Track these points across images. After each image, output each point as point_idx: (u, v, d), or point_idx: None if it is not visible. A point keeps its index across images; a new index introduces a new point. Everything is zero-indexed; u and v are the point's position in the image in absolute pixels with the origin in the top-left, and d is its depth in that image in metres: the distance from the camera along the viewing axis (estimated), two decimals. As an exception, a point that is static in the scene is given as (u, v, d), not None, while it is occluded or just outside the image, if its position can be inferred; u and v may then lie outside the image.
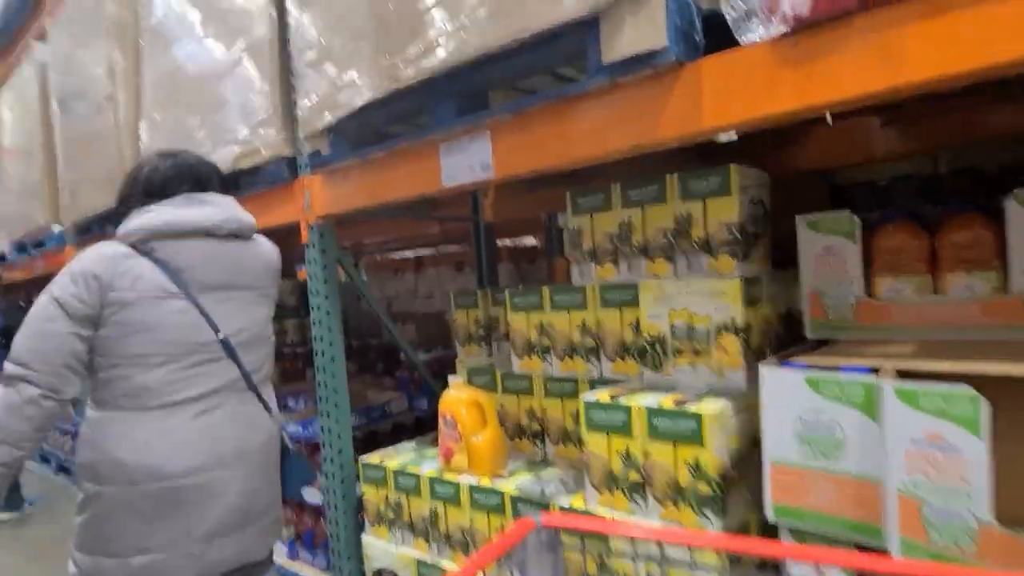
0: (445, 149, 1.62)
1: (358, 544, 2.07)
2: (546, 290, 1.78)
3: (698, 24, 1.17)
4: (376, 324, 4.17)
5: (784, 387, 1.12)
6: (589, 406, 1.44)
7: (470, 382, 2.00)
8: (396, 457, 2.00)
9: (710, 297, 1.42)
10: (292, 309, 3.60)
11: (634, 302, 1.58)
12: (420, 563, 1.84)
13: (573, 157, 1.37)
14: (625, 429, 1.38)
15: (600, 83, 1.25)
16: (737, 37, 1.06)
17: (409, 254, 4.56)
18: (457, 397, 1.80)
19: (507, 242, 4.30)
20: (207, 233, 1.50)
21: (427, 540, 1.84)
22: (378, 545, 1.97)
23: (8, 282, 4.84)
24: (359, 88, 1.66)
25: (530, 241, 3.60)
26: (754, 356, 1.42)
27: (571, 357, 1.74)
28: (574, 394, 1.75)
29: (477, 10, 1.36)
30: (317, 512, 2.34)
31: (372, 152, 1.78)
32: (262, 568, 1.62)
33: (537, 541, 0.73)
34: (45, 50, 3.69)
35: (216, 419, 1.46)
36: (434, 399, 2.57)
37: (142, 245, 1.44)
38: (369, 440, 2.45)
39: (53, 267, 4.04)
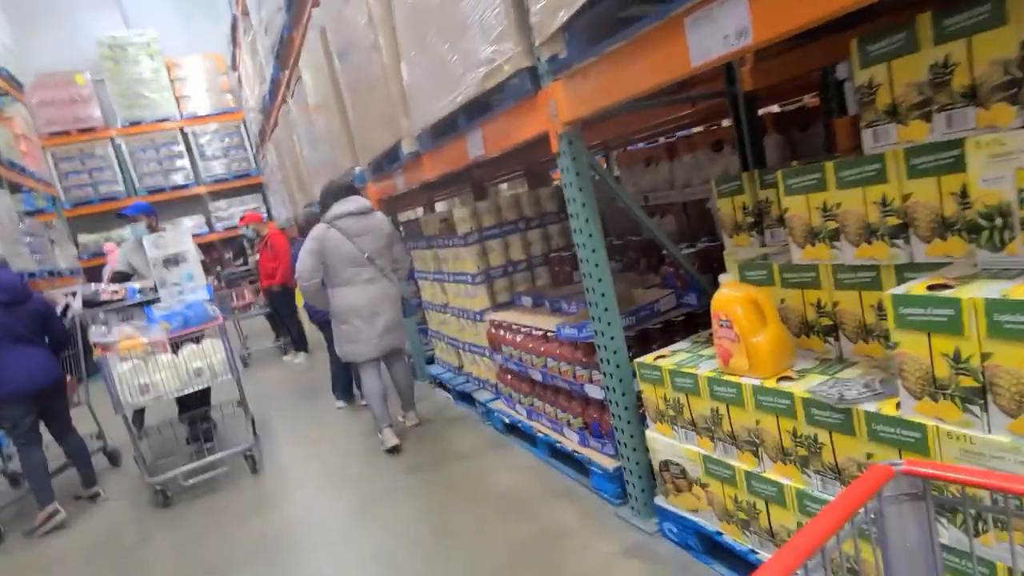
0: (691, 23, 1.42)
1: (642, 437, 2.16)
2: (829, 166, 1.51)
3: None
4: (635, 221, 4.11)
5: None
6: (900, 301, 1.21)
7: (743, 278, 1.85)
8: (671, 357, 1.98)
9: (1086, 145, 1.04)
10: (552, 214, 3.74)
11: (958, 166, 1.24)
12: (707, 458, 1.84)
13: None
14: (953, 327, 1.13)
15: None
16: None
17: (661, 141, 4.31)
18: (731, 296, 1.68)
19: (773, 109, 3.76)
20: (351, 214, 3.47)
21: (711, 438, 1.82)
22: (662, 440, 2.02)
23: None
24: (588, -23, 1.53)
25: (800, 103, 3.05)
26: None
27: (869, 241, 1.47)
28: (875, 284, 1.49)
29: None
30: (601, 405, 2.50)
31: (610, 44, 1.66)
32: (401, 353, 3.77)
33: (897, 491, 0.63)
34: (321, 14, 4.22)
35: (374, 288, 3.50)
36: (703, 295, 2.47)
37: (331, 223, 3.45)
38: (641, 339, 2.47)
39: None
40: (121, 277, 4.24)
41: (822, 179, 1.53)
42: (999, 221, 1.18)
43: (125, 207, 4.45)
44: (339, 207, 3.47)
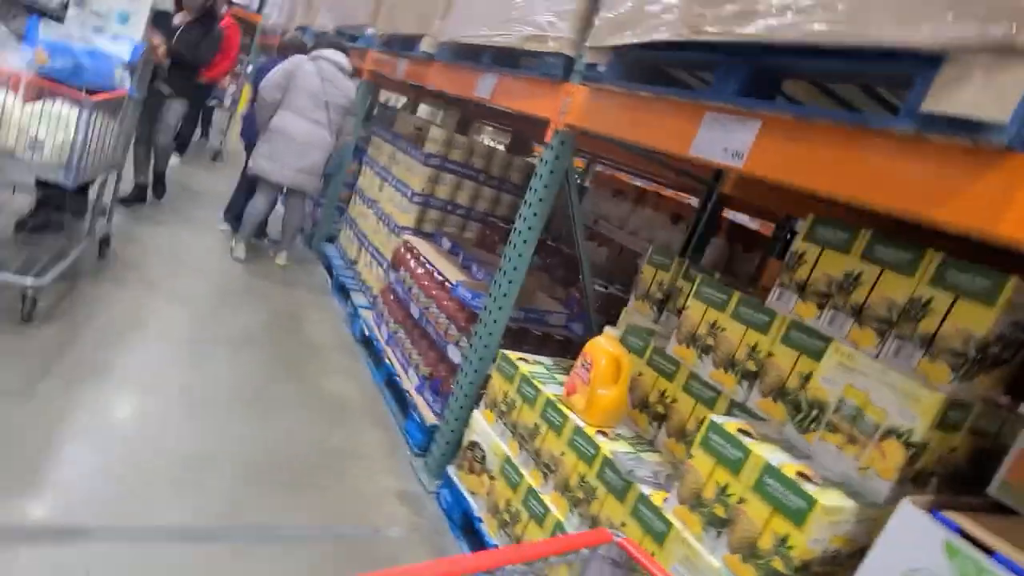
0: (709, 119, 1.55)
1: (469, 413, 2.32)
2: (736, 296, 1.71)
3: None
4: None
5: (916, 533, 1.01)
6: (713, 427, 1.42)
7: (624, 339, 2.03)
8: (530, 365, 2.15)
9: (901, 397, 1.27)
10: (513, 185, 3.81)
11: (816, 355, 1.46)
12: (507, 459, 2.03)
13: (839, 192, 1.24)
14: (734, 467, 1.35)
15: (905, 129, 1.09)
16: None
17: (638, 182, 4.48)
18: (603, 347, 1.86)
19: (736, 215, 4.03)
20: (333, 62, 3.89)
21: (520, 446, 2.01)
22: (483, 424, 2.20)
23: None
24: (659, 24, 1.61)
25: (757, 226, 3.32)
26: (912, 476, 1.28)
27: (725, 369, 1.68)
28: (710, 404, 1.72)
29: (815, 1, 1.23)
30: (453, 368, 2.64)
31: (641, 88, 1.76)
32: (303, 197, 4.12)
33: (608, 555, 0.78)
34: None
35: (315, 129, 3.86)
36: (590, 330, 2.66)
37: (314, 58, 3.88)
38: (518, 335, 2.64)
39: (355, 63, 4.64)
40: None
41: (725, 302, 1.73)
42: (814, 413, 1.41)
43: None
44: (327, 51, 3.96)
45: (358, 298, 3.75)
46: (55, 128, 2.17)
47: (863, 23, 1.13)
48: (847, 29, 1.16)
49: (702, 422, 1.71)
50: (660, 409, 1.87)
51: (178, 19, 4.07)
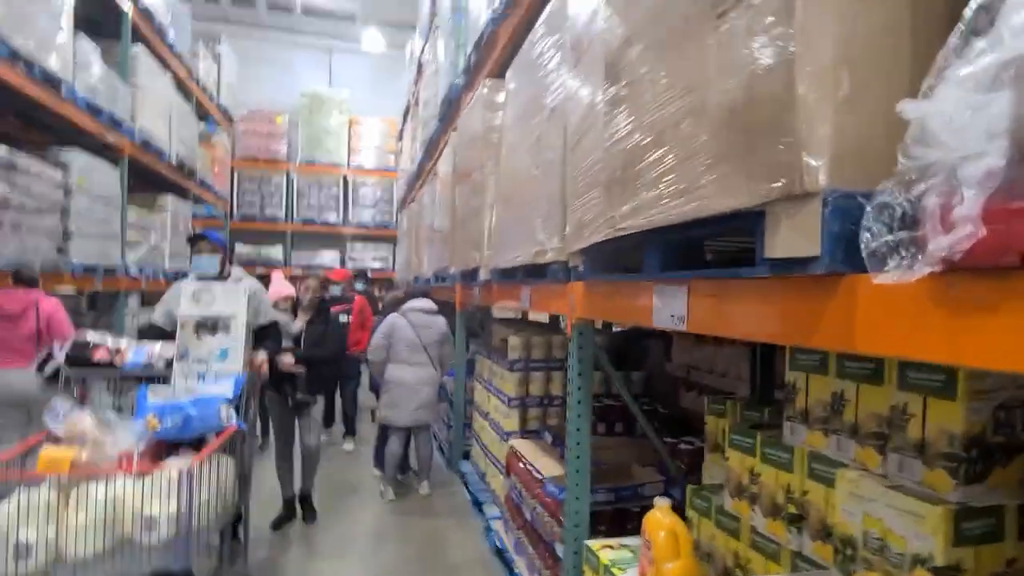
0: (657, 291, 1.71)
1: (580, 613, 2.31)
2: (759, 437, 1.70)
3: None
4: (675, 389, 4.24)
5: None
6: (745, 591, 1.38)
7: (691, 503, 2.01)
8: (615, 551, 2.16)
9: (909, 518, 1.19)
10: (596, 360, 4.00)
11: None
12: (613, 660, 1.98)
13: (744, 332, 1.34)
14: (771, 634, 1.28)
15: (761, 274, 1.21)
16: (869, 268, 0.93)
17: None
18: (658, 520, 1.86)
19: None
20: (420, 310, 4.63)
21: (619, 642, 1.96)
22: (588, 624, 2.17)
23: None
24: (592, 231, 1.89)
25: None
26: (969, 607, 1.14)
27: (774, 518, 1.62)
28: (775, 558, 1.63)
29: (672, 189, 1.45)
30: (565, 566, 2.66)
31: (607, 278, 1.99)
32: (428, 428, 4.70)
33: None
34: (456, 138, 4.93)
35: (420, 371, 4.52)
36: (683, 493, 2.60)
37: (404, 313, 4.61)
38: (617, 517, 2.64)
39: (449, 296, 5.36)
40: (152, 333, 3.06)
41: (753, 447, 1.72)
42: (848, 551, 1.32)
43: (208, 229, 3.31)
44: (413, 303, 4.72)
45: (490, 510, 3.93)
46: (167, 500, 1.94)
47: (706, 201, 1.32)
48: (696, 207, 1.35)
49: (775, 580, 1.63)
50: (740, 574, 1.78)
51: (299, 324, 4.23)
